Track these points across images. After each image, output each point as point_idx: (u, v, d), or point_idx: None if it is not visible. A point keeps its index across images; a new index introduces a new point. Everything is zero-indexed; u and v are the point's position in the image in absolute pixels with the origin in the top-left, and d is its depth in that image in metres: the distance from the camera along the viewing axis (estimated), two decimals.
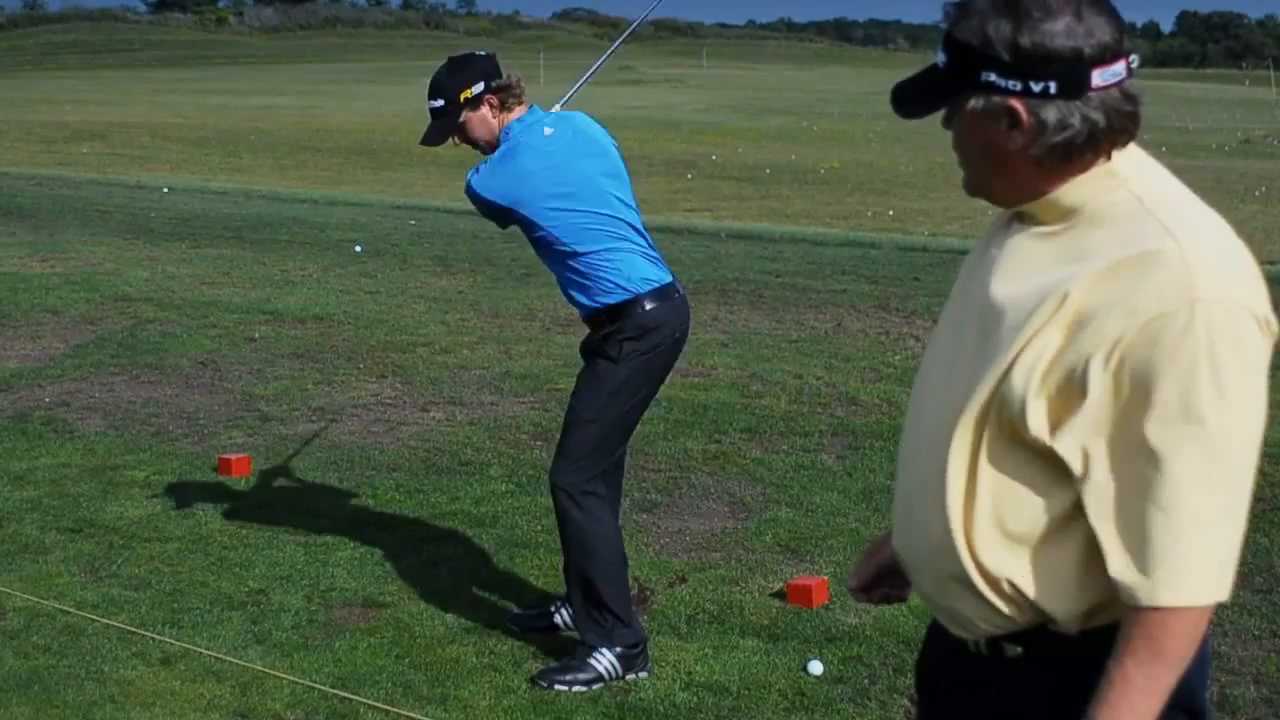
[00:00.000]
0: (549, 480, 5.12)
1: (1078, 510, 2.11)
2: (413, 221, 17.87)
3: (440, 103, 5.02)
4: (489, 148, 5.06)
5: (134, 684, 4.90)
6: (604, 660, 4.91)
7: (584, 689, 4.86)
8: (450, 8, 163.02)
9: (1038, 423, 2.10)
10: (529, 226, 4.96)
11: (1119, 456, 2.06)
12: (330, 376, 9.29)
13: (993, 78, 2.12)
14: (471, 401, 8.71)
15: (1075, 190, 2.16)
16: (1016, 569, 2.16)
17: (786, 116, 46.36)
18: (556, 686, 4.85)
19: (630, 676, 4.94)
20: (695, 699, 4.84)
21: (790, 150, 35.07)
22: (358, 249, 14.91)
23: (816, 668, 4.99)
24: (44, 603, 5.55)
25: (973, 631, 2.25)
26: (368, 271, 13.56)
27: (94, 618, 5.41)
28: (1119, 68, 2.12)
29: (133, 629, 5.31)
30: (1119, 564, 2.06)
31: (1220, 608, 5.74)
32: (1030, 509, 2.14)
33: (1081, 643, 2.16)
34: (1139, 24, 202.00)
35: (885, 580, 2.58)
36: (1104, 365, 2.05)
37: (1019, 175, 2.17)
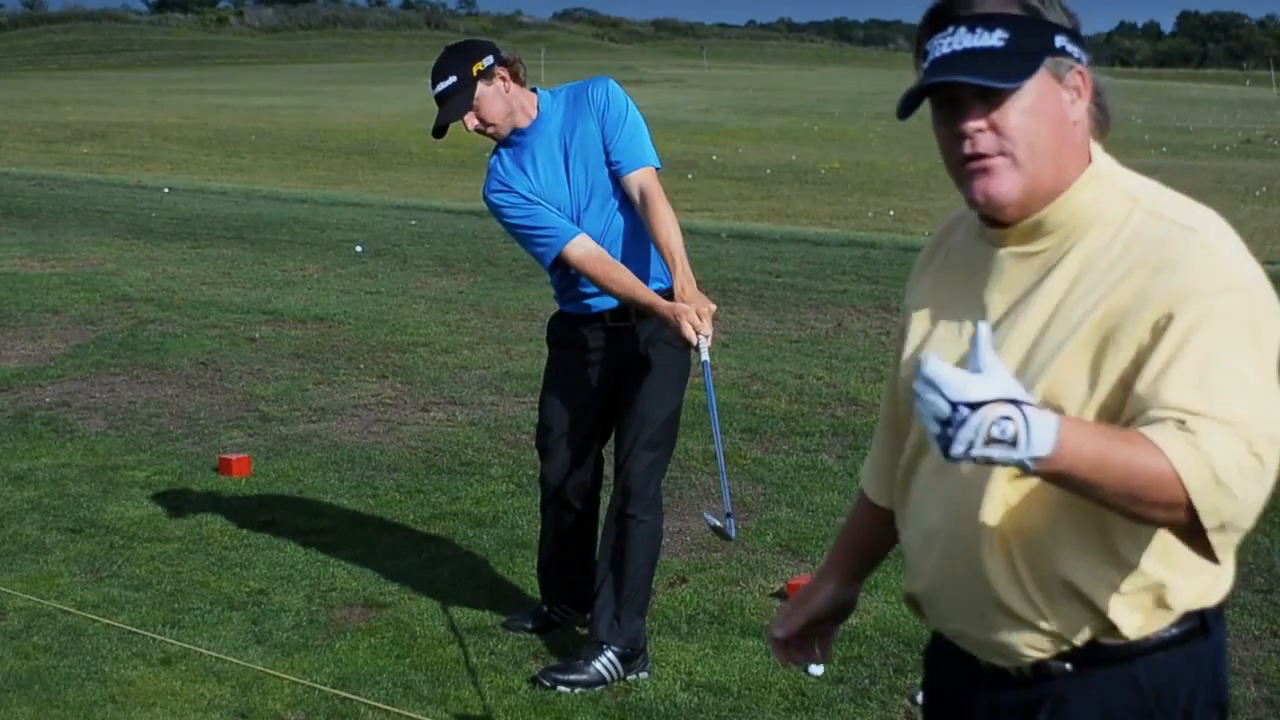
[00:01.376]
0: (627, 489, 4.95)
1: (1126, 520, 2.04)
2: (413, 221, 17.88)
3: (452, 80, 4.86)
4: (503, 128, 4.94)
5: (135, 684, 4.89)
6: (606, 660, 4.90)
7: (585, 690, 4.85)
8: (451, 8, 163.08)
9: None
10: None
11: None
12: (330, 376, 9.30)
13: (1067, 44, 2.12)
14: (472, 401, 8.71)
15: (1075, 196, 2.15)
16: (1078, 584, 2.13)
17: (787, 117, 46.35)
18: (559, 686, 4.85)
19: (630, 677, 4.94)
20: (696, 699, 4.84)
21: (791, 150, 35.08)
22: (358, 249, 14.92)
23: (817, 668, 4.98)
24: (45, 603, 5.55)
25: (1016, 659, 2.20)
26: (368, 271, 13.57)
27: (94, 618, 5.41)
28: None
29: (133, 629, 5.31)
30: (1172, 392, 1.97)
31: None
32: (1082, 530, 2.11)
33: (1131, 650, 2.15)
34: (1139, 24, 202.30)
35: (813, 630, 2.57)
36: (1119, 368, 2.04)
37: (1067, 156, 2.13)
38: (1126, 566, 2.12)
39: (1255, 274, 2.10)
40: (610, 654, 4.91)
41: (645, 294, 4.84)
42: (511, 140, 5.01)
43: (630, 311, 4.96)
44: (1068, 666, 2.18)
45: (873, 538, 2.57)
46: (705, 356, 4.76)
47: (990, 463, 1.87)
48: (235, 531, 6.40)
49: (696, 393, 8.53)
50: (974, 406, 1.83)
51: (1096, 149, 2.20)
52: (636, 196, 4.89)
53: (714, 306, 4.79)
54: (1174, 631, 2.16)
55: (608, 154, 4.92)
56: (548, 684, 4.86)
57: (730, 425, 7.97)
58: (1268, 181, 27.51)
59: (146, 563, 6.02)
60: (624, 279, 4.85)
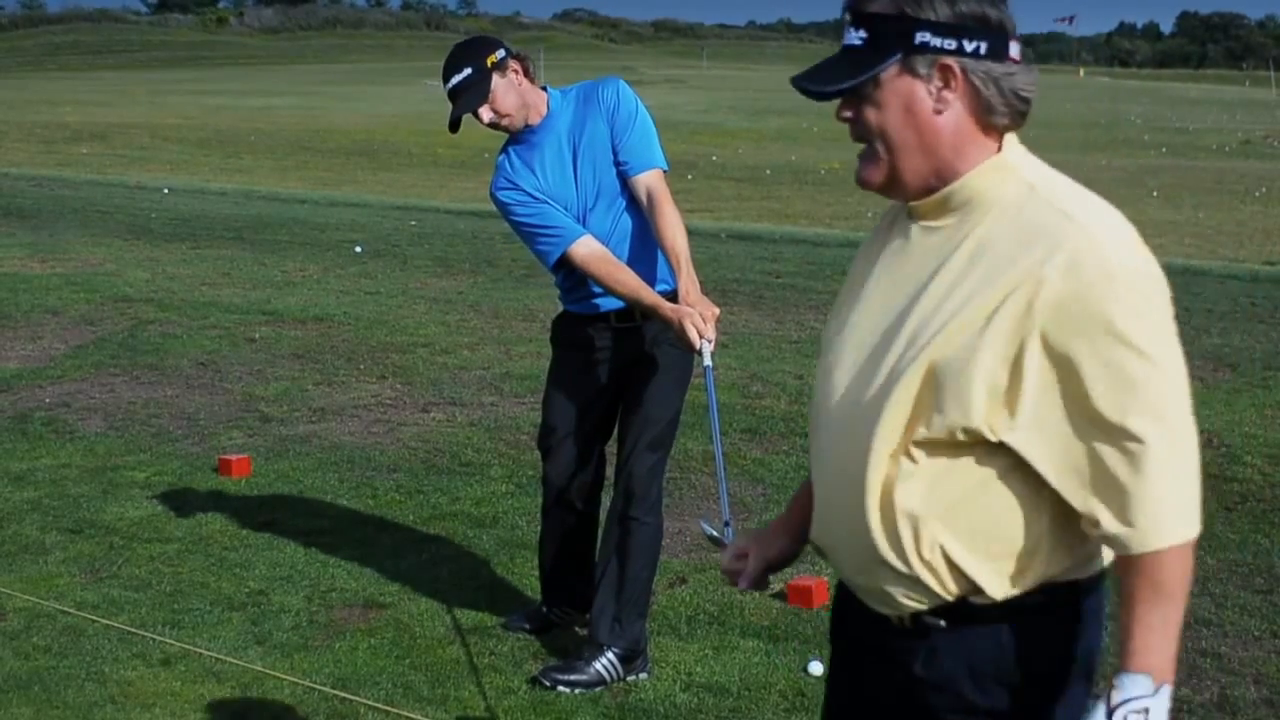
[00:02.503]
0: (631, 495, 4.94)
1: (1006, 488, 2.25)
2: (413, 222, 17.88)
3: (468, 71, 4.83)
4: (517, 119, 4.92)
5: (134, 685, 4.89)
6: (606, 661, 4.90)
7: (585, 690, 4.85)
8: (450, 9, 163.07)
9: (978, 419, 2.20)
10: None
11: (1076, 432, 2.19)
12: (330, 377, 9.30)
13: (928, 37, 2.21)
14: (472, 402, 8.71)
15: (973, 181, 2.28)
16: (950, 550, 2.28)
17: (787, 117, 46.35)
18: (559, 686, 4.84)
19: (630, 678, 4.94)
20: (695, 700, 4.84)
21: (790, 151, 35.09)
22: (358, 250, 14.92)
23: (817, 668, 4.99)
24: (44, 603, 5.55)
25: (897, 609, 2.37)
26: (368, 272, 13.57)
27: (94, 618, 5.41)
28: (1017, 48, 2.27)
29: (133, 630, 5.31)
30: (1107, 521, 2.20)
31: (1220, 609, 5.70)
32: (961, 496, 2.26)
33: (999, 612, 2.31)
34: (1139, 24, 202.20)
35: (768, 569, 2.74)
36: (1039, 355, 2.17)
37: (937, 143, 2.26)
38: (997, 539, 2.28)
39: (1137, 256, 2.23)
40: (611, 655, 4.91)
41: (649, 296, 4.83)
42: (520, 138, 5.00)
43: (635, 312, 4.96)
44: (942, 622, 2.33)
45: None
46: (708, 361, 4.75)
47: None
48: (235, 532, 6.40)
49: (697, 393, 8.53)
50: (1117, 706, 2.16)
51: (1010, 140, 2.31)
52: (644, 198, 4.89)
53: (717, 310, 4.79)
54: (1040, 599, 2.31)
55: (616, 155, 4.92)
56: (547, 684, 4.86)
57: (730, 426, 7.97)
58: (1267, 182, 27.51)
59: (146, 563, 6.02)
60: (628, 280, 4.85)
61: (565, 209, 4.94)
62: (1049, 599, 2.32)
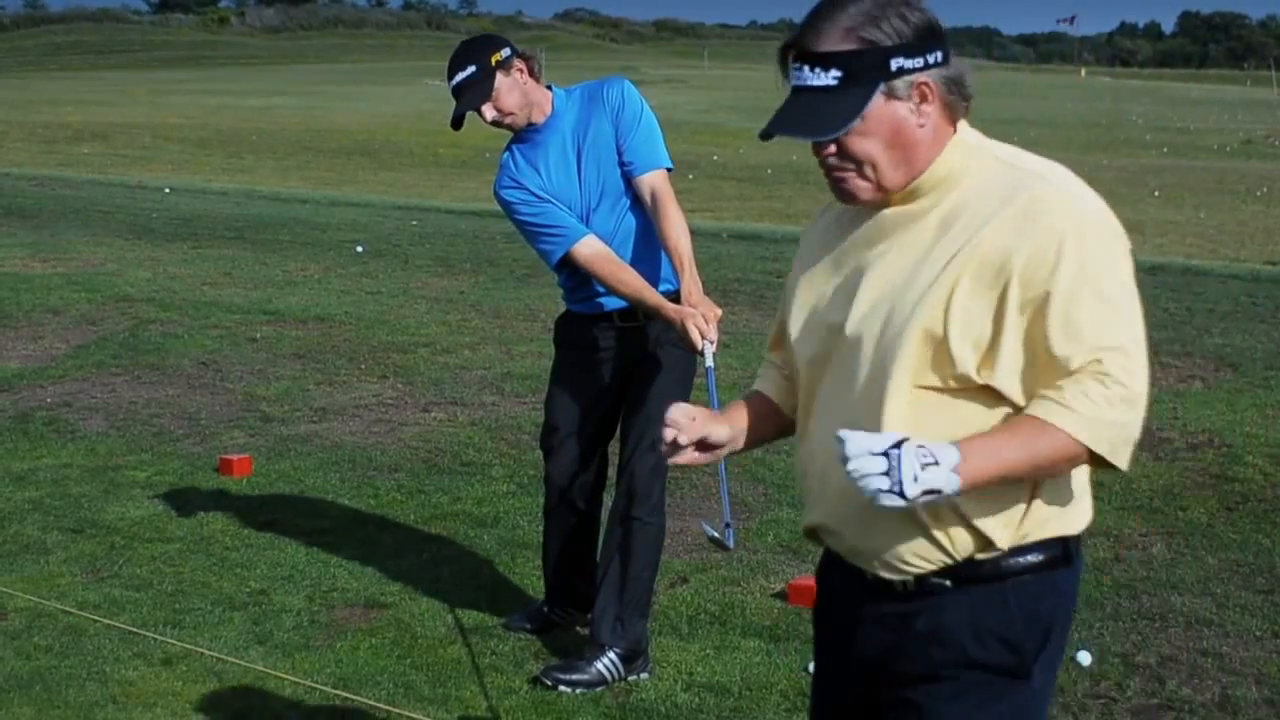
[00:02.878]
0: (633, 495, 4.94)
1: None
2: (414, 222, 17.88)
3: (472, 69, 4.83)
4: (521, 118, 4.92)
5: (135, 684, 4.90)
6: (608, 661, 4.90)
7: (586, 690, 4.86)
8: (452, 8, 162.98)
9: (972, 368, 2.39)
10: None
11: (1042, 364, 2.38)
12: (331, 377, 9.30)
13: (902, 62, 2.38)
14: (473, 402, 8.71)
15: (940, 167, 2.45)
16: (965, 503, 2.41)
17: None
18: (561, 686, 4.84)
19: (632, 678, 4.94)
20: (697, 699, 4.84)
21: (792, 150, 35.03)
22: (359, 249, 14.92)
23: None
24: (45, 603, 5.55)
25: (903, 572, 2.51)
26: (369, 272, 13.57)
27: (95, 618, 5.41)
28: None
29: (134, 629, 5.31)
30: (1052, 392, 2.36)
31: (1222, 609, 5.70)
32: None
33: (1002, 570, 2.48)
34: (1140, 24, 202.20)
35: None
36: (1016, 302, 2.36)
37: (916, 153, 2.44)
38: (1003, 491, 2.43)
39: (1101, 207, 2.44)
40: (612, 655, 4.91)
41: (651, 296, 4.83)
42: (525, 137, 5.00)
43: (638, 311, 4.96)
44: (947, 583, 2.49)
45: (765, 420, 2.83)
46: (710, 362, 4.75)
47: (931, 494, 2.28)
48: (236, 532, 6.40)
49: (699, 394, 8.53)
50: (896, 445, 2.28)
51: (962, 124, 2.50)
52: (648, 198, 4.89)
53: (719, 311, 4.79)
54: (1040, 558, 2.49)
55: (621, 155, 4.92)
56: (549, 684, 4.86)
57: None
58: (1269, 182, 27.48)
59: (147, 563, 6.02)
60: (630, 280, 4.85)
61: (569, 208, 4.94)
62: (1047, 557, 2.50)
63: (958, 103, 2.47)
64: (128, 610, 5.51)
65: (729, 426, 2.76)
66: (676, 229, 4.83)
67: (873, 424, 2.43)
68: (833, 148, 2.42)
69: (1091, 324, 2.34)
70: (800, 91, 2.41)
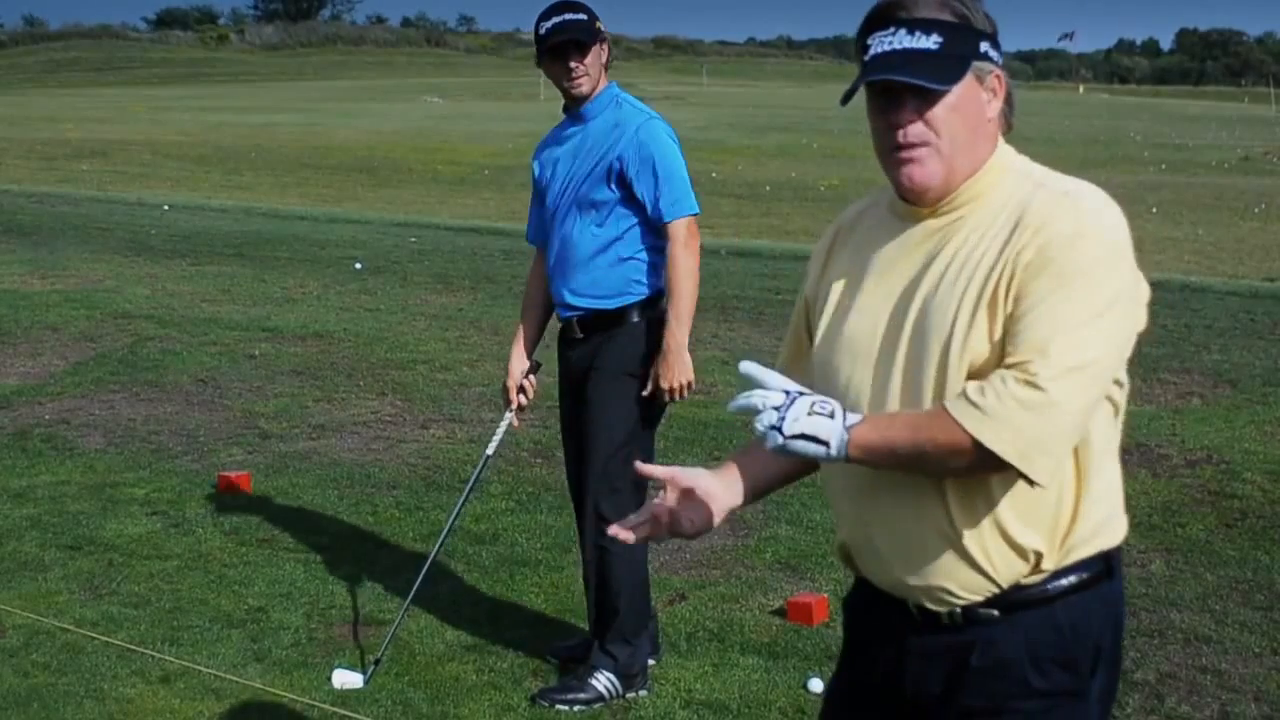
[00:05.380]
0: (596, 518, 4.94)
1: None
2: (413, 239, 17.89)
3: (584, 18, 4.88)
4: (589, 86, 4.94)
5: (133, 702, 4.89)
6: (605, 679, 4.90)
7: (584, 708, 4.85)
8: (450, 25, 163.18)
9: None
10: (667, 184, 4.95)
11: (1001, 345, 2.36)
12: (330, 394, 9.30)
13: (988, 48, 2.42)
14: (471, 419, 8.71)
15: (979, 182, 2.45)
16: (1011, 522, 2.40)
17: (786, 134, 46.39)
18: (558, 706, 4.84)
19: (630, 695, 4.94)
20: (695, 717, 4.83)
21: (790, 167, 35.10)
22: (358, 266, 14.93)
23: (817, 685, 4.98)
24: (43, 620, 5.54)
25: (950, 604, 2.47)
26: (368, 289, 13.57)
27: (93, 635, 5.40)
28: None
29: (132, 647, 5.30)
30: (976, 392, 2.31)
31: (1221, 625, 5.68)
32: (1005, 478, 2.38)
33: (1049, 594, 2.45)
34: (1138, 41, 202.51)
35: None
36: (1010, 300, 2.34)
37: (980, 146, 2.44)
38: (1044, 505, 2.41)
39: (1115, 231, 2.39)
40: (609, 673, 4.91)
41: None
42: (570, 113, 5.05)
43: (573, 324, 5.03)
44: (995, 613, 2.45)
45: (778, 469, 2.70)
46: (496, 437, 5.22)
47: (810, 440, 2.30)
48: (234, 549, 6.40)
49: (696, 410, 8.54)
50: (803, 393, 2.34)
51: (1001, 143, 2.51)
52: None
53: (685, 380, 4.90)
54: (1085, 575, 2.46)
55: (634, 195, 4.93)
56: (546, 704, 4.85)
57: (730, 443, 7.97)
58: (1267, 198, 27.50)
59: (145, 580, 6.01)
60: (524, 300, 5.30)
61: (550, 197, 5.06)
62: (1091, 575, 2.47)
63: (1008, 113, 2.49)
64: (125, 627, 5.50)
65: (740, 489, 2.67)
66: (674, 277, 4.93)
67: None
68: (916, 115, 2.38)
69: (1047, 329, 2.29)
70: (893, 55, 2.37)
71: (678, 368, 4.84)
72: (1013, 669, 2.45)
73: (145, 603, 5.77)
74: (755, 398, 2.36)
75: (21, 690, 4.95)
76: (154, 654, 5.26)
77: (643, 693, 4.97)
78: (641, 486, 5.17)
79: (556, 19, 4.89)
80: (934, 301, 2.41)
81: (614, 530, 2.65)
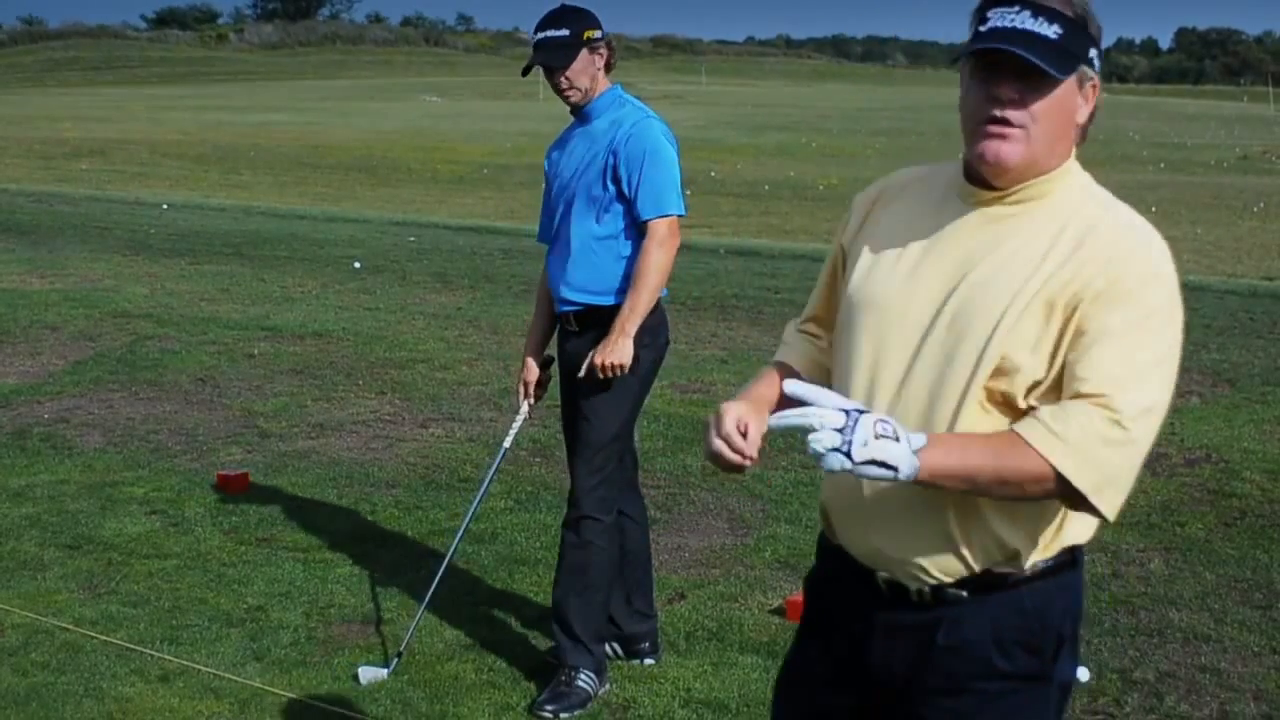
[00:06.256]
0: (577, 511, 4.99)
1: None
2: (412, 238, 17.89)
3: (565, 32, 4.94)
4: (580, 96, 5.00)
5: (132, 701, 4.89)
6: (586, 678, 4.93)
7: (581, 710, 4.86)
8: (449, 25, 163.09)
9: (1021, 393, 2.41)
10: (658, 185, 4.95)
11: (1068, 386, 2.39)
12: (329, 393, 9.30)
13: (1094, 56, 2.46)
14: (470, 418, 8.71)
15: (1049, 183, 2.48)
16: (998, 519, 2.45)
17: (785, 133, 46.41)
18: (561, 715, 4.83)
19: (605, 688, 4.97)
20: (695, 716, 4.84)
21: (789, 166, 35.12)
22: (357, 265, 14.92)
23: None
24: (42, 619, 5.54)
25: (922, 582, 2.52)
26: (367, 288, 13.57)
27: (92, 635, 5.40)
28: None
29: (131, 646, 5.30)
30: (1049, 444, 2.35)
31: (1220, 624, 5.69)
32: None
33: (1017, 579, 2.50)
34: (1137, 40, 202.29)
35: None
36: (1073, 337, 2.38)
37: (1062, 146, 2.47)
38: (1036, 507, 2.46)
39: (1174, 279, 2.49)
40: (588, 671, 4.93)
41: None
42: (580, 113, 5.09)
43: (570, 318, 5.07)
44: (964, 594, 2.50)
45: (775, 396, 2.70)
46: (511, 434, 5.24)
47: (880, 465, 2.27)
48: (233, 548, 6.40)
49: (695, 409, 8.54)
50: (862, 412, 2.29)
51: (1074, 151, 2.54)
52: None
53: (619, 361, 4.89)
54: (1051, 563, 2.52)
55: (622, 193, 4.94)
56: (549, 716, 4.84)
57: None
58: (1265, 197, 27.53)
59: (144, 579, 6.01)
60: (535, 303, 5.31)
61: (552, 195, 5.13)
62: (1057, 563, 2.53)
63: (1088, 125, 2.52)
64: (125, 626, 5.50)
65: (769, 408, 2.64)
66: (638, 272, 4.92)
67: (923, 421, 2.45)
68: (1018, 96, 2.40)
69: (1123, 366, 2.36)
70: (1014, 31, 2.39)
71: (614, 349, 4.87)
72: (977, 649, 2.50)
73: (144, 602, 5.77)
74: (811, 417, 2.30)
75: (21, 689, 4.95)
76: (153, 653, 5.25)
77: (608, 687, 5.00)
78: (630, 481, 5.18)
79: (540, 35, 5.00)
80: (988, 288, 2.43)
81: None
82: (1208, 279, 15.29)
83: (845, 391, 2.54)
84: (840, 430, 2.28)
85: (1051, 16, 2.39)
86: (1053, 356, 2.40)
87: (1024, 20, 2.38)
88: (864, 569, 2.58)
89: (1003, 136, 2.42)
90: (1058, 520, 2.50)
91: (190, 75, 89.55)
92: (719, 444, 2.50)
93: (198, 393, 9.27)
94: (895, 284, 2.54)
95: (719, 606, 5.76)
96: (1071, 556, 2.56)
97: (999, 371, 2.40)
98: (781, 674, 2.85)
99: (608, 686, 5.03)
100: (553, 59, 4.95)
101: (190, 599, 5.81)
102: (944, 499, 2.43)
